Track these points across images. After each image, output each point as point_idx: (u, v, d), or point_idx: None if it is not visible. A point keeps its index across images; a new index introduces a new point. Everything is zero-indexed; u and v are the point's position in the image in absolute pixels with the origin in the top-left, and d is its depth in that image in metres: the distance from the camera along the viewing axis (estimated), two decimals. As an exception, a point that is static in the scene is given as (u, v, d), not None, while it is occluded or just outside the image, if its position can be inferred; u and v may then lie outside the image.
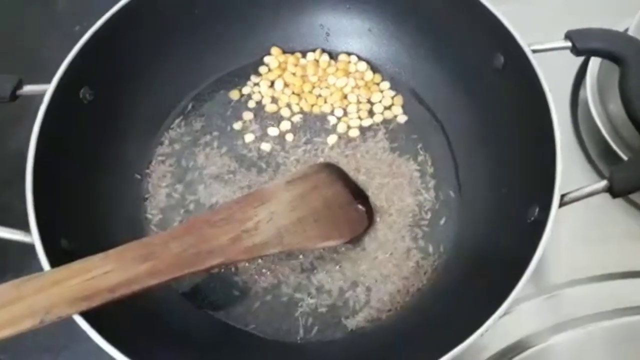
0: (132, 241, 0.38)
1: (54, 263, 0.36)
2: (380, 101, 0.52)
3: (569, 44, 0.41)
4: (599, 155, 0.52)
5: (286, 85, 0.53)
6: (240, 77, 0.54)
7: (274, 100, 0.53)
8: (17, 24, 0.62)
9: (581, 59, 0.54)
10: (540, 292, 0.47)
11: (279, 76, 0.53)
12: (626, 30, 0.50)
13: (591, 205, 0.45)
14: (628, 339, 0.45)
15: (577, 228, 0.49)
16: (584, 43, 0.40)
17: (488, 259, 0.42)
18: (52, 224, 0.39)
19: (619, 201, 0.50)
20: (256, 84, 0.53)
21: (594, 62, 0.53)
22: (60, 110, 0.42)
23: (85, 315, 0.34)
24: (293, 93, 0.52)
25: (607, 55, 0.41)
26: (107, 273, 0.35)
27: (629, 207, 0.50)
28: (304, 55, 0.54)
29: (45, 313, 0.33)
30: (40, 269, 0.36)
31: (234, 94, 0.53)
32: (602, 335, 0.45)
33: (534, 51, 0.41)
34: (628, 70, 0.39)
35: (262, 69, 0.54)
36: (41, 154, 0.40)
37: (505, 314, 0.35)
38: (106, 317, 0.35)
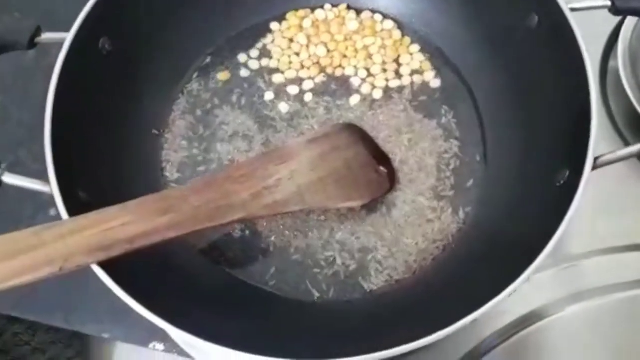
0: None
1: (72, 213, 0.36)
2: (408, 64, 0.50)
3: (609, 2, 0.39)
4: (628, 125, 0.51)
5: (309, 43, 0.51)
6: (262, 32, 0.52)
7: (296, 58, 0.51)
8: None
9: (614, 23, 0.53)
10: (559, 262, 0.47)
11: (301, 33, 0.52)
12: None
13: (613, 174, 0.45)
14: (644, 311, 0.45)
15: (598, 198, 0.48)
16: (624, 2, 0.39)
17: (513, 224, 0.42)
18: (69, 175, 0.39)
19: (640, 171, 0.49)
20: (276, 40, 0.52)
21: (626, 29, 0.52)
22: (79, 60, 0.41)
23: (103, 265, 0.34)
24: (315, 54, 0.51)
25: (648, 15, 0.39)
26: (125, 224, 0.35)
27: (652, 179, 0.49)
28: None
29: (64, 261, 0.33)
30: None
31: (243, 59, 0.52)
32: (619, 307, 0.45)
33: (573, 10, 0.39)
34: (670, 32, 0.38)
35: (284, 25, 0.52)
36: (60, 104, 0.39)
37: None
38: (124, 269, 0.35)
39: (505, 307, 0.45)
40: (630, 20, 0.52)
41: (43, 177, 0.37)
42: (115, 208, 0.36)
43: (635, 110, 0.48)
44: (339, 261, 0.44)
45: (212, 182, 0.40)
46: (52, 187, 0.37)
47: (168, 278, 0.41)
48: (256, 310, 0.43)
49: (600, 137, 0.49)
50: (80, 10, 0.42)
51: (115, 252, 0.34)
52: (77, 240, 0.34)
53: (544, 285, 0.46)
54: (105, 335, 0.46)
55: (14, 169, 0.49)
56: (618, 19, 0.52)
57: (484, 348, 0.44)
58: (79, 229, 0.34)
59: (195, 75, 0.51)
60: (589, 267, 0.46)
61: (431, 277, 0.43)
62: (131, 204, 0.36)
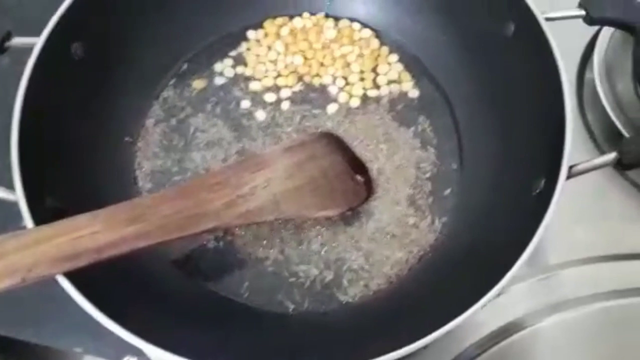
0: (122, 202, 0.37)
1: (38, 222, 0.35)
2: (386, 73, 0.50)
3: (583, 12, 0.40)
4: (604, 134, 0.51)
5: (287, 51, 0.51)
6: (238, 39, 0.52)
7: (273, 66, 0.51)
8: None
9: (589, 35, 0.53)
10: (537, 272, 0.46)
11: (278, 41, 0.51)
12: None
13: (590, 184, 0.45)
14: (623, 321, 0.45)
15: (576, 208, 0.48)
16: (598, 12, 0.39)
17: (489, 233, 0.41)
18: (37, 181, 0.38)
19: (619, 180, 0.49)
20: (253, 48, 0.51)
21: (602, 39, 0.52)
22: (50, 65, 0.41)
23: (69, 276, 0.33)
24: (292, 62, 0.51)
25: (621, 25, 0.40)
26: (94, 233, 0.34)
27: (628, 187, 0.49)
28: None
29: (27, 271, 0.32)
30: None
31: (219, 67, 0.51)
32: (597, 317, 0.45)
33: (547, 19, 0.40)
34: (643, 41, 0.38)
35: (262, 33, 0.52)
36: (29, 109, 0.39)
37: (500, 293, 0.34)
38: (91, 279, 0.34)
39: (483, 318, 0.44)
40: (606, 31, 0.52)
41: (10, 183, 0.36)
42: (84, 216, 0.35)
43: (611, 120, 0.49)
44: (314, 272, 0.44)
45: (184, 190, 0.39)
46: (18, 195, 0.36)
47: (138, 290, 0.40)
48: (231, 323, 0.42)
49: (576, 147, 0.50)
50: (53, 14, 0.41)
51: (82, 263, 0.33)
52: (41, 250, 0.32)
53: (522, 296, 0.45)
54: (77, 350, 0.44)
55: None
56: (594, 29, 0.52)
57: (463, 359, 0.44)
58: (44, 238, 0.33)
59: (170, 83, 0.50)
60: (567, 277, 0.46)
61: (408, 287, 0.43)
62: (100, 212, 0.35)
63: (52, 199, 0.39)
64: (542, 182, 0.38)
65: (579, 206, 0.48)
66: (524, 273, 0.46)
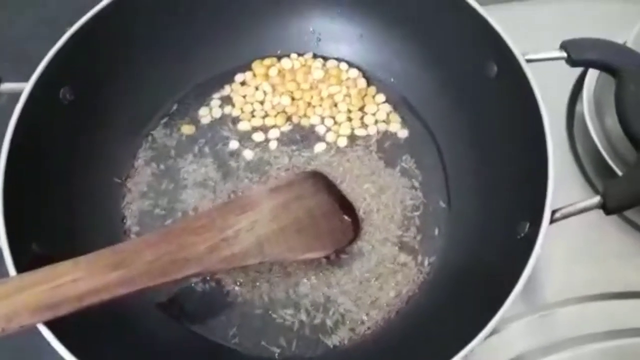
0: (105, 247, 0.36)
1: (22, 267, 0.35)
2: (374, 113, 0.51)
3: (564, 54, 0.40)
4: (595, 170, 0.51)
5: (275, 91, 0.52)
6: (227, 80, 0.52)
7: (261, 106, 0.51)
8: (6, 19, 0.61)
9: (578, 71, 0.53)
10: (531, 311, 0.46)
11: (266, 81, 0.52)
12: (624, 43, 0.49)
13: (585, 221, 0.44)
14: (620, 363, 0.44)
15: (570, 245, 0.48)
16: (579, 54, 0.39)
17: (476, 275, 0.41)
18: (23, 227, 0.38)
19: (614, 218, 0.49)
20: (242, 89, 0.52)
21: (591, 76, 0.52)
22: (38, 110, 0.41)
23: (50, 325, 0.33)
24: (279, 102, 0.51)
25: (603, 66, 0.40)
26: (75, 281, 0.34)
27: (623, 225, 0.49)
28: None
29: (7, 322, 0.31)
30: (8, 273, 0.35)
31: (208, 108, 0.51)
32: (593, 358, 0.44)
33: (528, 61, 0.40)
34: (624, 83, 0.38)
35: (250, 74, 0.53)
36: (15, 154, 0.39)
37: (493, 333, 0.34)
38: (74, 327, 0.34)
39: (477, 359, 0.44)
40: (595, 68, 0.52)
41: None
42: (66, 263, 0.35)
43: (601, 155, 0.48)
44: (300, 316, 0.43)
45: (168, 233, 0.39)
46: (1, 242, 0.36)
47: (121, 335, 0.40)
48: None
49: (567, 183, 0.50)
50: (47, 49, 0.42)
51: (62, 311, 0.33)
52: (22, 299, 0.32)
53: (517, 335, 0.45)
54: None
55: None
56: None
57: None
58: (25, 287, 0.33)
59: (160, 123, 0.51)
60: (563, 315, 0.46)
61: (396, 330, 0.42)
62: (82, 258, 0.35)
63: (37, 245, 0.38)
64: (527, 225, 0.37)
65: (574, 243, 0.48)
66: (519, 311, 0.45)
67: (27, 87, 0.41)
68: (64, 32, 0.43)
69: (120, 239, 0.46)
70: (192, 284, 0.44)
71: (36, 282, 0.33)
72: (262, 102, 0.51)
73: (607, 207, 0.36)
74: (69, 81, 0.44)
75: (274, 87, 0.52)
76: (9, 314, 0.32)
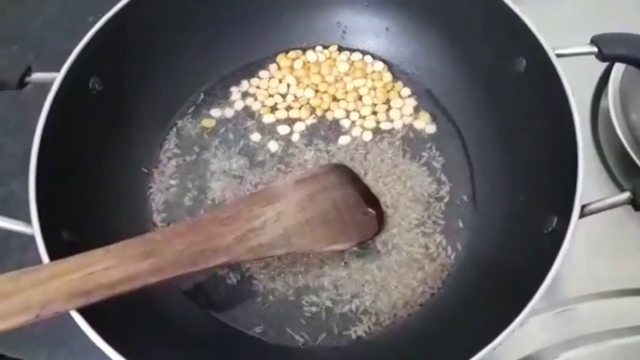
0: (135, 237, 0.37)
1: (54, 255, 0.36)
2: (399, 108, 0.51)
3: (595, 49, 0.39)
4: (619, 166, 0.51)
5: (299, 84, 0.52)
6: (253, 72, 0.53)
7: (285, 99, 0.51)
8: (31, 12, 0.62)
9: (603, 66, 0.53)
10: (553, 306, 0.46)
11: (291, 74, 0.52)
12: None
13: (608, 218, 0.44)
14: (640, 358, 0.44)
15: (593, 241, 0.47)
16: (610, 49, 0.39)
17: (502, 269, 0.41)
18: (53, 215, 0.38)
19: (637, 215, 0.48)
20: (267, 81, 0.52)
21: (617, 70, 0.52)
22: (68, 100, 0.41)
23: (82, 311, 0.34)
24: (303, 95, 0.51)
25: (634, 62, 0.39)
26: (107, 269, 0.34)
27: (645, 221, 0.48)
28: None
29: (41, 308, 0.32)
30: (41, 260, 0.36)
31: (234, 99, 0.52)
32: (615, 353, 0.44)
33: (559, 55, 0.39)
34: (656, 79, 0.38)
35: (275, 66, 0.53)
36: (46, 144, 0.39)
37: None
38: (104, 313, 0.34)
39: (498, 353, 0.43)
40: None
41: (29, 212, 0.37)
42: (97, 252, 0.35)
43: (625, 151, 0.48)
44: (325, 306, 0.44)
45: (196, 224, 0.40)
46: (34, 230, 0.37)
47: (150, 322, 0.40)
48: (242, 356, 0.42)
49: (591, 178, 0.50)
50: (75, 43, 0.42)
51: (95, 298, 0.33)
52: (55, 286, 0.33)
53: (538, 330, 0.45)
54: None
55: (6, 201, 0.50)
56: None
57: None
58: (58, 274, 0.33)
59: (186, 114, 0.51)
60: (585, 311, 0.45)
61: (420, 323, 0.42)
62: (113, 247, 0.36)
63: (68, 233, 0.39)
64: (555, 220, 0.37)
65: (596, 239, 0.48)
66: (540, 306, 0.45)
67: (58, 77, 0.41)
68: (85, 24, 0.44)
69: (147, 228, 0.46)
70: (218, 273, 0.45)
71: (69, 270, 0.34)
72: (286, 95, 0.52)
73: (637, 203, 0.36)
74: (98, 72, 0.44)
75: (298, 79, 0.52)
76: (43, 300, 0.32)
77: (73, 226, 0.40)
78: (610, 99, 0.50)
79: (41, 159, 0.39)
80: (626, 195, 0.36)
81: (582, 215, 0.35)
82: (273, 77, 0.52)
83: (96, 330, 0.33)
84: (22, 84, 0.42)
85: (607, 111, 0.50)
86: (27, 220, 0.37)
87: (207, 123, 0.51)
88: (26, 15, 0.62)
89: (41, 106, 0.40)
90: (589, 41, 0.40)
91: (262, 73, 0.53)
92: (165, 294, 0.43)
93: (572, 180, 0.36)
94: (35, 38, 0.60)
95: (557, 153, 0.39)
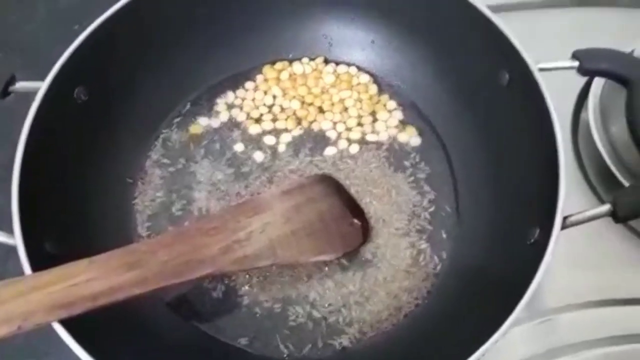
0: (119, 248, 0.37)
1: (36, 267, 0.35)
2: (385, 120, 0.51)
3: (576, 63, 0.40)
4: (599, 179, 0.51)
5: (285, 95, 0.52)
6: (240, 83, 0.53)
7: (271, 110, 0.52)
8: (16, 19, 0.62)
9: (583, 80, 0.54)
10: (535, 317, 0.46)
11: (277, 85, 0.52)
12: (632, 52, 0.50)
13: (589, 230, 0.45)
14: (622, 368, 0.44)
15: (574, 252, 0.48)
16: (591, 63, 0.40)
17: (485, 280, 0.41)
18: (36, 226, 0.38)
19: (618, 227, 0.49)
20: (253, 92, 0.52)
21: (597, 84, 0.52)
22: (52, 109, 0.41)
23: (64, 323, 0.33)
24: (290, 106, 0.52)
25: (614, 76, 0.40)
26: (89, 280, 0.34)
27: (627, 233, 0.49)
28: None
29: (23, 320, 0.32)
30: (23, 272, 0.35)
31: (220, 109, 0.52)
32: (595, 364, 0.44)
33: (541, 69, 0.40)
34: (635, 93, 0.39)
35: (262, 77, 0.53)
36: (30, 153, 0.39)
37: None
38: (87, 325, 0.34)
39: (480, 363, 0.44)
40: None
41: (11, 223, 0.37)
42: (80, 263, 0.35)
43: (605, 163, 0.49)
44: (310, 317, 0.43)
45: (181, 234, 0.40)
46: (16, 241, 0.36)
47: (133, 334, 0.40)
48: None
49: (572, 191, 0.50)
50: (60, 57, 0.42)
51: (77, 310, 0.33)
52: (37, 298, 0.33)
53: (520, 341, 0.45)
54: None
55: None
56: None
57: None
58: (40, 286, 0.33)
59: (172, 124, 0.51)
60: (566, 321, 0.46)
61: (405, 333, 0.42)
62: (96, 258, 0.35)
63: (50, 244, 0.39)
64: (537, 231, 0.38)
65: (577, 250, 0.48)
66: (522, 317, 0.45)
67: (43, 87, 0.41)
68: (73, 31, 0.44)
69: (131, 239, 0.46)
70: (203, 284, 0.44)
71: (51, 281, 0.33)
72: (272, 106, 0.52)
73: (617, 215, 0.36)
74: (83, 81, 0.44)
75: (285, 91, 0.52)
76: (25, 312, 0.32)
77: (56, 237, 0.39)
78: (591, 112, 0.51)
79: (24, 169, 0.38)
80: (606, 207, 0.37)
81: (564, 227, 0.36)
82: (259, 88, 0.52)
83: (79, 342, 0.33)
84: (5, 93, 0.41)
85: (587, 124, 0.51)
86: (9, 231, 0.37)
87: (195, 129, 0.50)
88: (13, 22, 0.61)
89: (24, 115, 0.40)
90: (570, 56, 0.41)
91: (249, 84, 0.53)
92: (149, 306, 0.42)
93: (553, 192, 0.36)
94: (21, 45, 0.59)
95: (539, 165, 0.39)
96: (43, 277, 0.34)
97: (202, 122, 0.51)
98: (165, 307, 0.44)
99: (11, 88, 0.42)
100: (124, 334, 0.39)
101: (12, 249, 0.36)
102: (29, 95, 0.41)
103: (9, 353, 0.45)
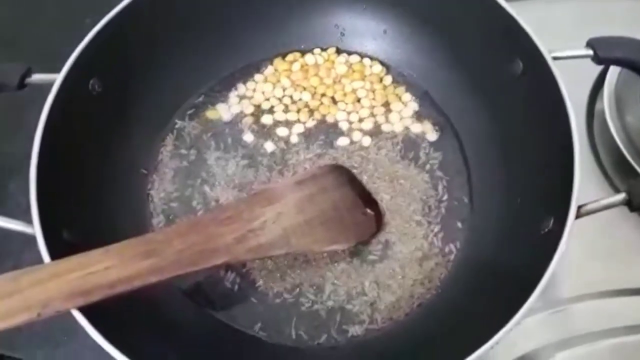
0: (135, 237, 0.37)
1: (54, 255, 0.36)
2: (399, 111, 0.51)
3: (591, 52, 0.40)
4: (614, 168, 0.51)
5: (297, 86, 0.52)
6: (252, 74, 0.53)
7: (283, 101, 0.52)
8: (29, 13, 0.62)
9: (598, 69, 0.53)
10: (549, 306, 0.46)
11: (289, 76, 0.52)
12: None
13: (603, 219, 0.45)
14: (636, 358, 0.44)
15: (588, 242, 0.48)
16: (606, 52, 0.39)
17: (499, 269, 0.41)
18: (54, 215, 0.39)
19: (632, 216, 0.49)
20: (266, 83, 0.52)
21: (612, 73, 0.52)
22: (68, 100, 0.42)
23: (83, 310, 0.34)
24: (301, 98, 0.52)
25: (629, 64, 0.40)
26: (107, 268, 0.35)
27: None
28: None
29: (42, 307, 0.32)
30: (42, 259, 0.36)
31: (233, 101, 0.52)
32: (609, 353, 0.44)
33: (555, 58, 0.40)
34: (651, 81, 0.38)
35: (273, 68, 0.53)
36: (47, 144, 0.40)
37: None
38: (104, 312, 0.35)
39: (493, 353, 0.44)
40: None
41: (30, 212, 0.37)
42: (98, 251, 0.35)
43: (621, 152, 0.49)
44: (324, 305, 0.44)
45: (196, 224, 0.40)
46: (35, 229, 0.37)
47: (149, 321, 0.41)
48: (241, 355, 0.42)
49: (586, 180, 0.50)
50: (73, 49, 0.42)
51: (95, 297, 0.34)
52: (56, 285, 0.33)
53: (534, 330, 0.45)
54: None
55: (6, 202, 0.51)
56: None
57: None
58: (59, 274, 0.34)
59: (185, 115, 0.51)
60: (580, 311, 0.46)
61: (418, 323, 0.43)
62: (114, 247, 0.36)
63: (68, 233, 0.39)
64: (551, 221, 0.38)
65: (591, 240, 0.48)
66: (536, 306, 0.45)
67: (58, 79, 0.41)
68: (84, 24, 0.44)
69: (146, 228, 0.47)
70: (218, 273, 0.45)
71: (70, 269, 0.34)
72: (284, 97, 0.52)
73: (632, 204, 0.36)
74: (98, 72, 0.44)
75: (296, 82, 0.52)
76: (45, 299, 0.33)
77: (73, 226, 0.40)
78: (606, 101, 0.51)
79: (42, 160, 0.39)
80: (621, 196, 0.36)
81: (578, 216, 0.36)
82: (271, 80, 0.52)
83: (97, 328, 0.34)
84: (22, 85, 0.42)
85: (603, 113, 0.51)
86: (27, 220, 0.37)
87: (212, 114, 0.51)
88: (25, 17, 0.62)
89: (39, 107, 0.40)
90: (585, 44, 0.41)
91: (260, 75, 0.53)
92: (165, 293, 0.43)
93: (568, 181, 0.36)
94: (34, 39, 0.60)
95: (554, 155, 0.39)
96: (61, 265, 0.34)
97: (215, 111, 0.51)
98: (181, 294, 0.44)
99: (27, 80, 0.42)
100: (141, 321, 0.40)
101: (28, 241, 0.37)
102: (43, 87, 0.41)
103: (22, 343, 0.46)
